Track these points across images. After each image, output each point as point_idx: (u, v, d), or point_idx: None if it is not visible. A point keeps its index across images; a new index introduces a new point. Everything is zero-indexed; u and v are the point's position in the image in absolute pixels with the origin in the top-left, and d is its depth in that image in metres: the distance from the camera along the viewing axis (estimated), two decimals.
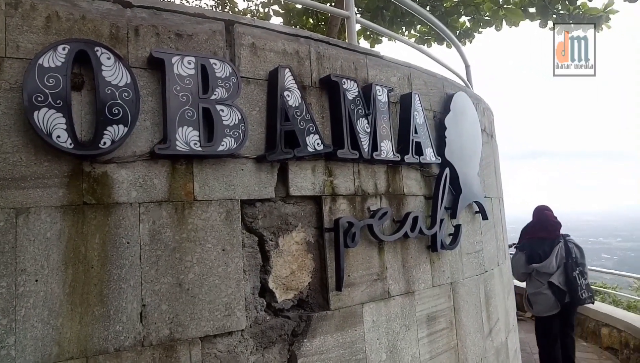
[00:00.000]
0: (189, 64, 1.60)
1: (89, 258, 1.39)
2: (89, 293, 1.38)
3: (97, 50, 1.43)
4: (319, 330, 1.83)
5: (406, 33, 7.23)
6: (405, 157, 2.23)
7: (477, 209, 2.87)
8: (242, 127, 1.66)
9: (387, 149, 2.15)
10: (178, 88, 1.57)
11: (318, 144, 1.87)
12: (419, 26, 7.23)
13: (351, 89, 2.04)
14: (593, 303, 4.29)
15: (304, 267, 1.87)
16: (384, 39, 7.75)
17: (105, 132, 1.41)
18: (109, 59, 1.44)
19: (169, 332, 1.48)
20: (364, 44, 7.11)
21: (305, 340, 1.78)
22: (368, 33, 7.42)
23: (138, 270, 1.46)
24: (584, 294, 4.03)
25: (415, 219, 2.22)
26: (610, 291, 8.03)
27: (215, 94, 1.63)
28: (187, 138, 1.55)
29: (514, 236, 4.99)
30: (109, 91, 1.43)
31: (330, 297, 1.88)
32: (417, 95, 2.36)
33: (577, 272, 4.06)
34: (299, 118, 1.82)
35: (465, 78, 4.35)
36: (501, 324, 3.09)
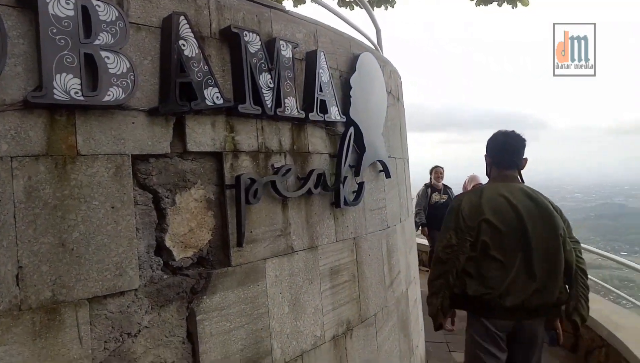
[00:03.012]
0: (67, 4, 1.44)
1: None
2: None
3: None
4: (220, 286, 1.81)
5: None
6: (310, 114, 2.23)
7: (381, 168, 2.97)
8: (132, 76, 1.55)
9: (291, 105, 2.13)
10: (55, 30, 1.41)
11: (217, 97, 1.80)
12: None
13: (253, 42, 1.97)
14: None
15: (203, 224, 1.82)
16: None
17: None
18: None
19: (52, 294, 1.38)
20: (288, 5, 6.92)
21: (204, 297, 1.76)
22: None
23: (12, 230, 1.33)
24: None
25: (320, 176, 2.25)
26: None
27: (99, 39, 1.49)
28: (66, 86, 1.41)
29: None
30: None
31: (231, 254, 1.86)
32: (322, 53, 2.35)
33: None
34: (196, 69, 1.74)
35: (375, 41, 4.42)
36: (402, 276, 3.29)
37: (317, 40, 2.45)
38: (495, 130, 2.66)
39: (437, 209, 6.69)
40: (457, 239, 2.45)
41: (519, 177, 2.63)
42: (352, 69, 2.68)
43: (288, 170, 2.08)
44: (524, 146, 2.62)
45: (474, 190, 2.66)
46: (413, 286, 3.69)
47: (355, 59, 2.73)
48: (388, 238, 3.06)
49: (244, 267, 1.90)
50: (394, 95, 3.62)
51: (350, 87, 2.61)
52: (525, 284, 2.36)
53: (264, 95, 1.98)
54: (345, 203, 2.45)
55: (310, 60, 2.31)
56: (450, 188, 7.12)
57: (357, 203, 2.57)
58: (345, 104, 2.56)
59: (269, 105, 2.00)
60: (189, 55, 1.72)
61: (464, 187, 5.39)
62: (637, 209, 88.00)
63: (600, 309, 4.48)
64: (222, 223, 1.88)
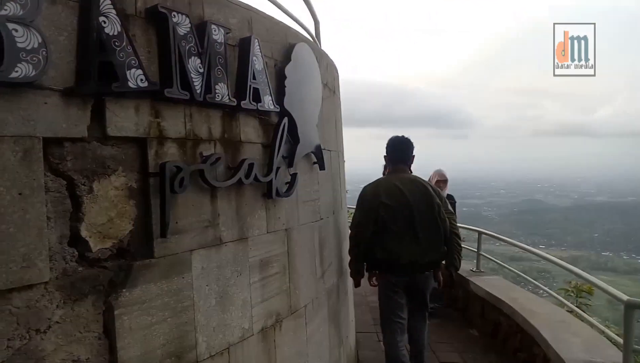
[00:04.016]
0: None
1: None
2: None
3: None
4: (141, 279, 1.73)
5: None
6: (242, 102, 2.18)
7: (315, 160, 2.97)
8: (44, 52, 1.42)
9: (222, 92, 2.07)
10: None
11: (142, 80, 1.71)
12: None
13: (182, 24, 1.89)
14: None
15: (124, 214, 1.73)
16: None
17: None
18: None
19: None
20: None
21: (124, 290, 1.67)
22: None
23: None
24: None
25: (251, 166, 2.20)
26: None
27: (5, 9, 1.36)
28: None
29: None
30: None
31: (154, 245, 1.78)
32: (256, 40, 2.29)
33: None
34: (118, 49, 1.63)
35: (314, 33, 4.40)
36: (334, 268, 3.32)
37: (252, 27, 2.40)
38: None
39: None
40: (363, 218, 3.44)
41: (408, 169, 3.66)
42: (287, 58, 2.65)
43: (218, 159, 2.02)
44: (411, 147, 3.68)
45: (375, 181, 3.63)
46: (345, 277, 3.74)
47: (291, 48, 2.70)
48: (321, 230, 3.08)
49: (168, 258, 1.82)
50: (330, 88, 3.63)
51: (285, 77, 2.58)
52: (413, 248, 3.34)
53: (193, 80, 1.91)
54: (278, 194, 2.42)
55: (244, 47, 2.25)
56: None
57: (290, 194, 2.56)
58: (279, 94, 2.52)
59: (198, 91, 1.93)
60: (111, 34, 1.61)
61: (429, 181, 5.45)
62: (554, 206, 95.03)
63: (518, 298, 4.78)
64: (145, 213, 1.78)
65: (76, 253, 1.58)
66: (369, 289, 5.24)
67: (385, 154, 3.75)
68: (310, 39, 3.79)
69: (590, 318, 4.19)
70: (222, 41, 2.08)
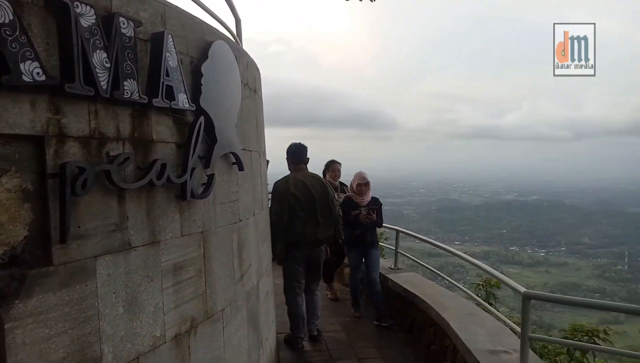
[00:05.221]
0: None
1: None
2: None
3: None
4: (37, 288, 1.60)
5: None
6: (154, 100, 2.08)
7: (234, 160, 2.92)
8: None
9: (131, 89, 1.96)
10: None
11: (38, 73, 1.58)
12: None
13: (86, 15, 1.76)
14: None
15: (18, 218, 1.58)
16: None
17: None
18: None
19: None
20: None
21: (17, 302, 1.53)
22: None
23: None
24: None
25: (164, 166, 2.11)
26: None
27: None
28: None
29: None
30: None
31: (53, 252, 1.65)
32: (170, 36, 2.20)
33: None
34: (10, 39, 1.49)
35: (235, 32, 4.33)
36: (253, 270, 3.28)
37: (166, 22, 2.30)
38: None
39: None
40: (280, 207, 4.56)
41: (306, 167, 4.92)
42: (204, 56, 2.57)
43: (126, 159, 1.91)
44: (306, 151, 4.98)
45: (284, 177, 4.80)
46: (265, 279, 3.71)
47: (208, 46, 2.62)
48: (240, 232, 3.03)
49: (68, 266, 1.70)
50: (251, 87, 3.59)
51: (202, 75, 2.51)
52: (314, 228, 4.61)
53: (99, 75, 1.79)
54: (193, 196, 2.35)
55: (156, 42, 2.15)
56: (346, 185, 6.38)
57: (207, 196, 2.49)
58: (195, 92, 2.45)
59: (104, 87, 1.81)
60: (1, 22, 1.47)
61: (351, 182, 5.66)
62: (468, 204, 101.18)
63: (433, 293, 5.03)
64: (43, 217, 1.65)
65: None
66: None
67: (287, 157, 4.98)
68: (231, 37, 3.72)
69: (495, 310, 4.50)
70: (132, 35, 1.97)
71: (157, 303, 2.11)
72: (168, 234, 2.22)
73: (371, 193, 5.64)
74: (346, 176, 6.38)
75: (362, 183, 5.56)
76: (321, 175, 6.25)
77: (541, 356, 5.77)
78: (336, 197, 5.18)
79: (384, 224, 5.85)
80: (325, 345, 4.93)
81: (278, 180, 4.77)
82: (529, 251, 65.32)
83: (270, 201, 4.67)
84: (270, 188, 4.85)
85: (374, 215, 5.42)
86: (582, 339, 5.37)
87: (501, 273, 4.14)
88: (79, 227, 1.75)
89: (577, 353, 5.51)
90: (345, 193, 6.29)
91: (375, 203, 5.63)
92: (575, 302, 3.75)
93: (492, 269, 4.07)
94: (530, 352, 3.34)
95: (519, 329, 3.53)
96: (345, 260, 6.39)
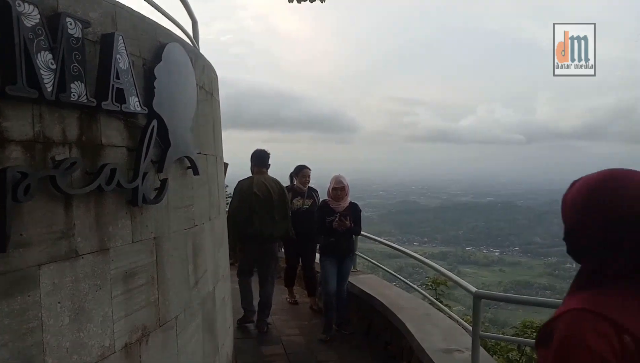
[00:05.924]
0: None
1: None
2: None
3: None
4: None
5: None
6: (103, 103, 2.02)
7: (189, 165, 2.88)
8: None
9: (79, 91, 1.90)
10: None
11: None
12: None
13: (30, 15, 1.70)
14: None
15: None
16: None
17: None
18: None
19: None
20: None
21: None
22: None
23: None
24: None
25: (114, 171, 2.05)
26: None
27: None
28: None
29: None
30: None
31: None
32: (121, 37, 2.15)
33: None
34: None
35: (191, 34, 4.27)
36: (209, 275, 3.24)
37: (116, 23, 2.24)
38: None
39: (299, 216, 5.90)
40: (240, 204, 5.33)
41: (266, 171, 5.58)
42: (157, 58, 2.53)
43: (73, 164, 1.85)
44: (268, 156, 5.62)
45: (249, 178, 5.50)
46: (221, 284, 3.67)
47: (161, 48, 2.58)
48: (195, 237, 2.98)
49: (9, 275, 1.63)
50: (207, 90, 3.54)
51: (155, 78, 2.46)
52: (270, 224, 5.29)
53: (43, 76, 1.73)
54: (145, 201, 2.29)
55: (106, 43, 2.09)
56: (316, 190, 6.32)
57: (159, 201, 2.44)
58: (148, 95, 2.39)
59: (50, 89, 1.75)
60: None
61: (329, 187, 5.29)
62: (427, 206, 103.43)
63: (390, 295, 5.11)
64: None
65: None
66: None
67: (251, 161, 5.61)
68: (187, 39, 3.67)
69: (448, 310, 4.63)
70: (79, 36, 1.91)
71: (105, 312, 2.05)
72: (118, 241, 2.16)
73: (349, 199, 5.31)
74: (313, 180, 6.44)
75: (338, 188, 5.20)
76: (289, 179, 6.37)
77: (494, 353, 5.97)
78: (302, 202, 6.17)
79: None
80: (283, 348, 4.92)
81: (243, 179, 5.48)
82: (485, 251, 67.43)
83: (232, 197, 5.54)
84: (230, 190, 5.10)
85: (349, 222, 5.06)
86: (532, 335, 5.61)
87: (458, 273, 4.30)
88: (21, 234, 1.68)
89: (528, 350, 5.75)
90: (313, 199, 6.20)
91: (355, 209, 5.33)
92: (522, 301, 3.92)
93: (445, 270, 4.18)
94: (482, 350, 3.46)
95: (470, 328, 3.64)
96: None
